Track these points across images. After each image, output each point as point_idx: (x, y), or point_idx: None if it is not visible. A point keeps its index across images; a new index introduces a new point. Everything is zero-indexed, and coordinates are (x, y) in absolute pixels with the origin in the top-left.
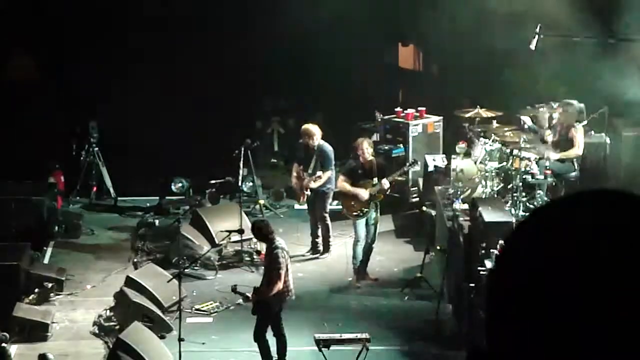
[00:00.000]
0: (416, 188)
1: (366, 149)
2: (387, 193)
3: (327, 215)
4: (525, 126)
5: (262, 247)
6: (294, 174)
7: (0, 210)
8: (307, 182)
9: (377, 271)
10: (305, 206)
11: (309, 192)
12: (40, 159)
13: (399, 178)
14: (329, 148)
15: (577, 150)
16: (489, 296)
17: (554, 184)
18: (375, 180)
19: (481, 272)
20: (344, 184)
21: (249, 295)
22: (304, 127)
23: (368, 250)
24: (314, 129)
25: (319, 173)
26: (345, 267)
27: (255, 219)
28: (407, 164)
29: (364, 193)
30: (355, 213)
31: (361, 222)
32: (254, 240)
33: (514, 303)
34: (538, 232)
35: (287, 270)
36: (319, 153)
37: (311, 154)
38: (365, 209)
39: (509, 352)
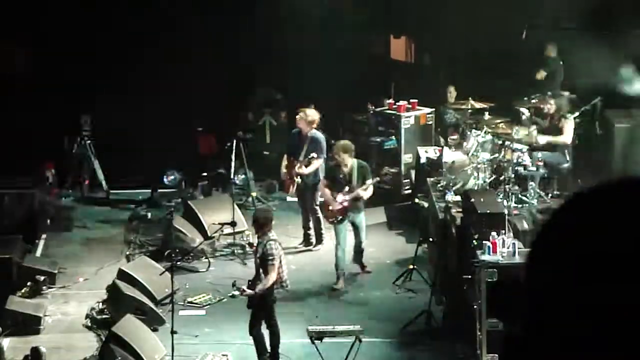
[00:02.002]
0: (408, 180)
1: (343, 158)
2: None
3: (317, 207)
4: (524, 117)
5: (254, 239)
6: (284, 163)
7: None
8: (297, 167)
9: (369, 263)
10: (296, 198)
11: (298, 180)
12: (32, 152)
13: (362, 193)
14: (321, 136)
15: (565, 138)
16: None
17: (545, 175)
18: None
19: (474, 264)
20: (324, 189)
21: (246, 289)
22: (306, 111)
23: (358, 247)
24: (315, 116)
25: (311, 157)
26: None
27: (261, 208)
28: (375, 178)
29: (342, 198)
30: (331, 219)
31: (341, 227)
32: (247, 232)
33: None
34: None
35: (280, 262)
36: (311, 141)
37: (303, 142)
38: (340, 216)
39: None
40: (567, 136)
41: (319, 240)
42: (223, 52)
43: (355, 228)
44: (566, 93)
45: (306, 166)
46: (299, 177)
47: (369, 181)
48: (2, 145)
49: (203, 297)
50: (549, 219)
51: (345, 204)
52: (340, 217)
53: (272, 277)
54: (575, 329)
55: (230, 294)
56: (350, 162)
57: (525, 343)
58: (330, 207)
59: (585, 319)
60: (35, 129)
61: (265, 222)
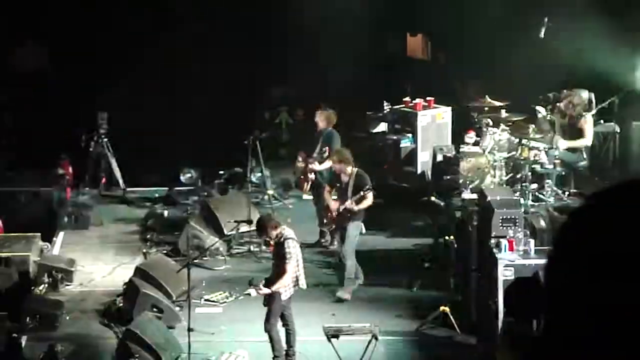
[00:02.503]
0: (425, 178)
1: (341, 167)
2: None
3: None
4: (540, 116)
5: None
6: (299, 159)
7: (10, 201)
8: (311, 163)
9: (385, 260)
10: (311, 196)
11: (312, 176)
12: (49, 150)
13: (352, 206)
14: (336, 134)
15: (587, 141)
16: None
17: (562, 172)
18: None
19: (491, 263)
20: (325, 194)
21: (261, 287)
22: (326, 110)
23: (338, 258)
24: (333, 116)
25: (324, 151)
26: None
27: (261, 215)
28: (365, 188)
29: (334, 207)
30: (328, 227)
31: (350, 234)
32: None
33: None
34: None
35: (297, 260)
36: (325, 138)
37: (317, 139)
38: (334, 225)
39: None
40: (587, 139)
41: (334, 238)
42: (239, 50)
43: (342, 238)
44: (584, 91)
45: (319, 163)
46: (312, 173)
47: (362, 193)
48: (20, 143)
49: (219, 294)
50: (566, 220)
51: (334, 214)
52: (334, 225)
53: (288, 275)
54: (590, 328)
55: (247, 292)
56: (349, 171)
57: (544, 343)
58: (329, 214)
59: (599, 319)
60: (52, 127)
61: (260, 228)
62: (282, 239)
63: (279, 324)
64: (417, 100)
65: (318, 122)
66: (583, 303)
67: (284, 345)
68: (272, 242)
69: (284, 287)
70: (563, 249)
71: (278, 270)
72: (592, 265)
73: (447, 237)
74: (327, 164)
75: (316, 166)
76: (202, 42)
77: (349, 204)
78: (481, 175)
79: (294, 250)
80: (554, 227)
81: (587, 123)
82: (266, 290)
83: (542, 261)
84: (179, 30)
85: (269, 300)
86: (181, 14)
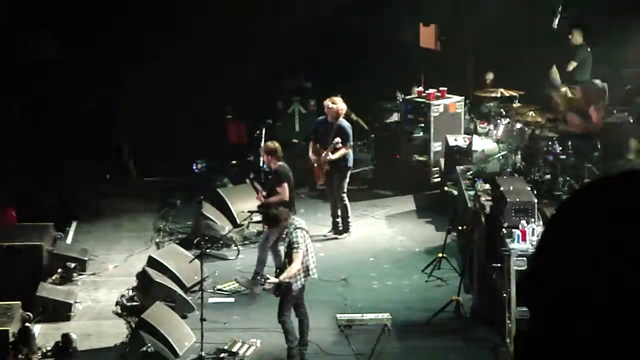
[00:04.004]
0: (438, 168)
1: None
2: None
3: (344, 195)
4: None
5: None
6: (311, 149)
7: (23, 190)
8: (326, 154)
9: (398, 251)
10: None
11: (328, 167)
12: (64, 140)
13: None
14: (347, 125)
15: (591, 124)
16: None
17: (575, 163)
18: None
19: (503, 252)
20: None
21: (270, 277)
22: (334, 100)
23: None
24: (343, 105)
25: (336, 142)
26: (367, 247)
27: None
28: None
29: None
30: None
31: None
32: None
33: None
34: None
35: (307, 250)
36: (338, 129)
37: (329, 130)
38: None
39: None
40: (591, 123)
41: (346, 229)
42: (252, 41)
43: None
44: (597, 80)
45: (332, 153)
46: (327, 165)
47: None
48: (37, 133)
49: (232, 284)
50: (555, 210)
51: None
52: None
53: (296, 265)
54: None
55: (263, 286)
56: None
57: (539, 340)
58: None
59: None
60: (67, 116)
61: (272, 219)
62: (292, 229)
63: (292, 313)
64: (430, 91)
65: (328, 115)
66: (566, 289)
67: (297, 335)
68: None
69: (294, 277)
70: (550, 237)
71: (289, 260)
72: (577, 254)
73: (460, 227)
74: (339, 153)
75: (331, 156)
76: (217, 33)
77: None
78: (494, 166)
79: (302, 240)
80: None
81: (596, 112)
82: (274, 280)
83: None
84: (196, 21)
85: (281, 291)
86: (198, 5)
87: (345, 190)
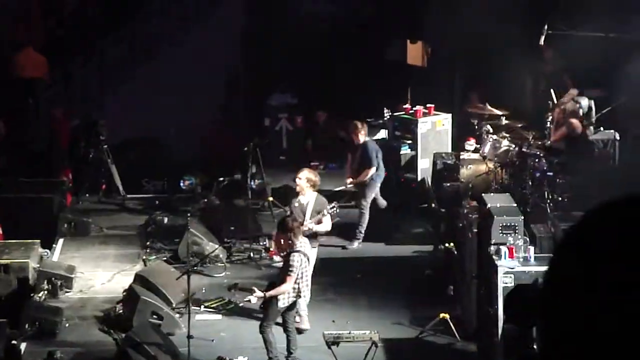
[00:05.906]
0: (425, 185)
1: (302, 187)
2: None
3: (366, 204)
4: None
5: (271, 244)
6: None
7: (10, 207)
8: (348, 179)
9: (385, 268)
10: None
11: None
12: (49, 157)
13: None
14: (371, 146)
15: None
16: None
17: (562, 179)
18: None
19: (491, 269)
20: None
21: (256, 291)
22: (358, 124)
23: None
24: (361, 125)
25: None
26: (354, 263)
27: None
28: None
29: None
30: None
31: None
32: (263, 237)
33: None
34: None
35: (301, 275)
36: (362, 151)
37: (355, 152)
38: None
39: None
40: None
41: (357, 237)
42: (238, 58)
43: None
44: (584, 98)
45: (316, 223)
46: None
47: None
48: (19, 151)
49: (219, 301)
50: (564, 235)
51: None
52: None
53: (286, 287)
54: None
55: (247, 299)
56: (309, 195)
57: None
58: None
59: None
60: (52, 133)
61: (285, 228)
62: (293, 250)
63: (280, 330)
64: (417, 107)
65: (353, 138)
66: (577, 310)
67: (284, 352)
68: (271, 250)
69: (281, 296)
70: (561, 261)
71: (281, 277)
72: (587, 277)
73: (447, 244)
74: (364, 176)
75: (315, 226)
76: (203, 50)
77: (313, 225)
78: (481, 183)
79: (297, 264)
80: (554, 234)
81: (572, 125)
82: (259, 294)
83: (542, 268)
84: (180, 37)
85: (266, 304)
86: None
87: (368, 200)
